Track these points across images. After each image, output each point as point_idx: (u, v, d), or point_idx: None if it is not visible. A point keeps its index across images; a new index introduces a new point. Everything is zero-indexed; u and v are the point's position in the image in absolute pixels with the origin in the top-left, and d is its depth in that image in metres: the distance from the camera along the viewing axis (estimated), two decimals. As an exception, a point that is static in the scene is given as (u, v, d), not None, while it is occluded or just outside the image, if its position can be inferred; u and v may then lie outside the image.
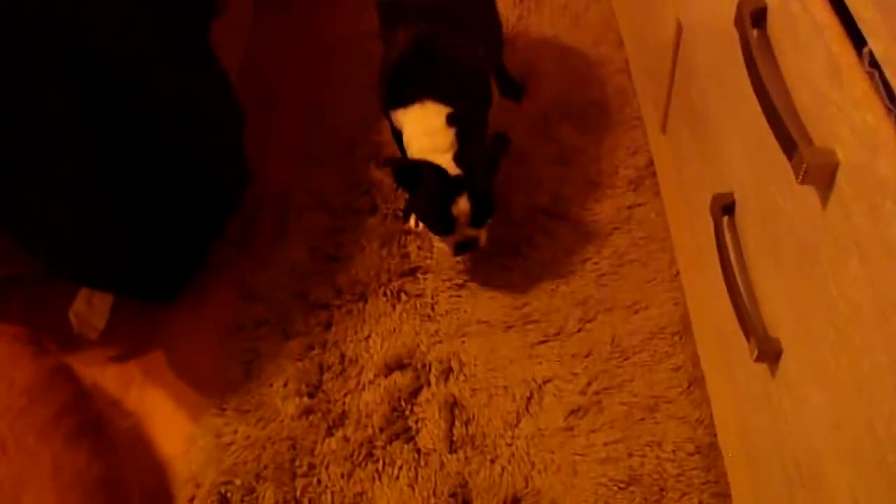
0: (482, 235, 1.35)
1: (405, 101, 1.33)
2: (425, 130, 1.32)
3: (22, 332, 1.10)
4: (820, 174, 0.68)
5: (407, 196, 1.50)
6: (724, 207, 1.02)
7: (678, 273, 1.38)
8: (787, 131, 0.71)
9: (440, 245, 1.38)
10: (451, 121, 1.31)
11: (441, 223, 1.32)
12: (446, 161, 1.29)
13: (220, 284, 1.46)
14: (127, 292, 1.37)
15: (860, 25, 0.63)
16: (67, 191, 1.16)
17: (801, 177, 0.69)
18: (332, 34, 1.86)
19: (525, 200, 1.50)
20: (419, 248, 1.45)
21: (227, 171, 1.39)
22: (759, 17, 0.80)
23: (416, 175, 1.30)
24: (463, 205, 1.28)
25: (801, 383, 0.83)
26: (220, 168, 1.36)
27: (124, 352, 1.38)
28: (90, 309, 1.33)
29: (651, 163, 1.52)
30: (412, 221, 1.48)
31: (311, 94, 1.73)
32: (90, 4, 1.08)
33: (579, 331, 1.33)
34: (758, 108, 0.79)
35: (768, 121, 0.74)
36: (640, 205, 1.48)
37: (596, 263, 1.41)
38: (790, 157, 0.70)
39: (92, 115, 1.13)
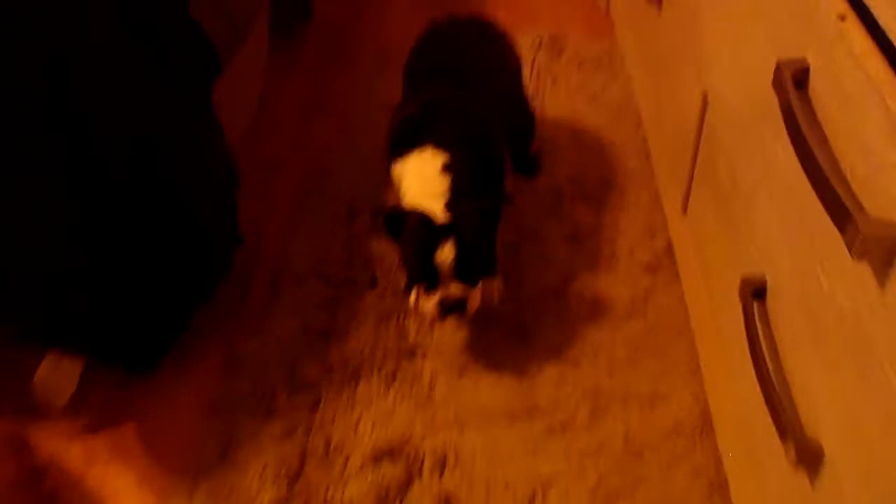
0: (472, 297, 1.23)
1: (406, 150, 1.29)
2: (420, 176, 1.27)
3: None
4: (878, 248, 0.59)
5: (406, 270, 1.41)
6: (755, 291, 0.92)
7: (699, 365, 1.27)
8: (838, 200, 0.61)
9: (425, 306, 1.25)
10: (446, 168, 1.25)
11: (422, 272, 1.21)
12: (437, 208, 1.22)
13: (204, 354, 1.35)
14: (100, 358, 1.27)
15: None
16: (40, 241, 1.07)
17: (855, 251, 0.59)
18: (344, 103, 1.81)
19: (534, 280, 1.40)
20: (419, 327, 1.35)
21: (218, 233, 1.30)
22: (800, 79, 0.72)
23: (403, 222, 1.23)
24: (447, 253, 1.19)
25: (849, 496, 0.71)
26: (211, 230, 1.28)
27: (92, 424, 1.26)
28: (57, 375, 1.22)
29: (669, 246, 1.43)
30: (414, 297, 1.39)
31: (316, 162, 1.67)
32: (83, 58, 1.01)
33: (589, 427, 1.21)
34: (798, 178, 0.70)
35: (815, 189, 0.65)
36: (657, 289, 1.38)
37: (609, 351, 1.30)
38: (843, 230, 0.61)
39: (76, 166, 1.06)
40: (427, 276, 1.21)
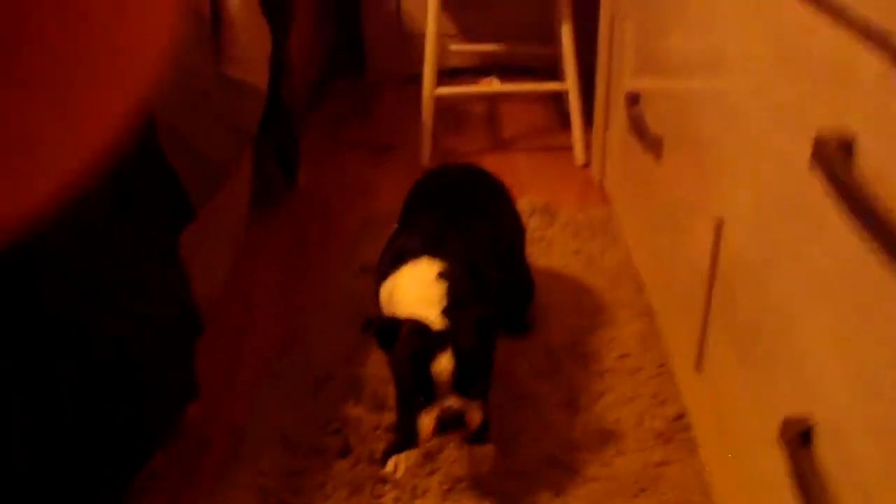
0: (471, 412, 1.08)
1: (398, 265, 1.22)
2: (414, 284, 1.18)
3: None
4: None
5: (389, 437, 1.24)
6: (802, 435, 0.77)
7: (727, 549, 1.06)
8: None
9: (421, 426, 1.08)
10: (442, 276, 1.17)
11: (417, 384, 1.07)
12: (433, 316, 1.11)
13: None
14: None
15: None
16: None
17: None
18: (324, 267, 1.71)
19: (529, 447, 1.22)
20: (397, 500, 1.15)
21: (168, 386, 1.14)
22: (847, 148, 0.62)
23: (396, 331, 1.11)
24: (445, 363, 1.05)
25: None
26: (159, 382, 1.12)
27: None
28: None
29: (682, 414, 1.27)
30: (391, 466, 1.20)
31: (290, 325, 1.53)
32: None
33: None
34: (859, 262, 0.58)
35: (887, 253, 0.52)
36: (671, 462, 1.20)
37: (619, 530, 1.10)
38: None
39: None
40: (422, 389, 1.07)
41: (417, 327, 1.11)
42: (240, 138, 1.50)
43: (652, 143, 1.36)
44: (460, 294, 1.16)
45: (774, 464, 0.84)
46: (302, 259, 1.76)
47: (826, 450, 0.74)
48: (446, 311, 1.12)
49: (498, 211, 1.45)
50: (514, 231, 1.48)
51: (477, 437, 1.20)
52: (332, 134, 2.34)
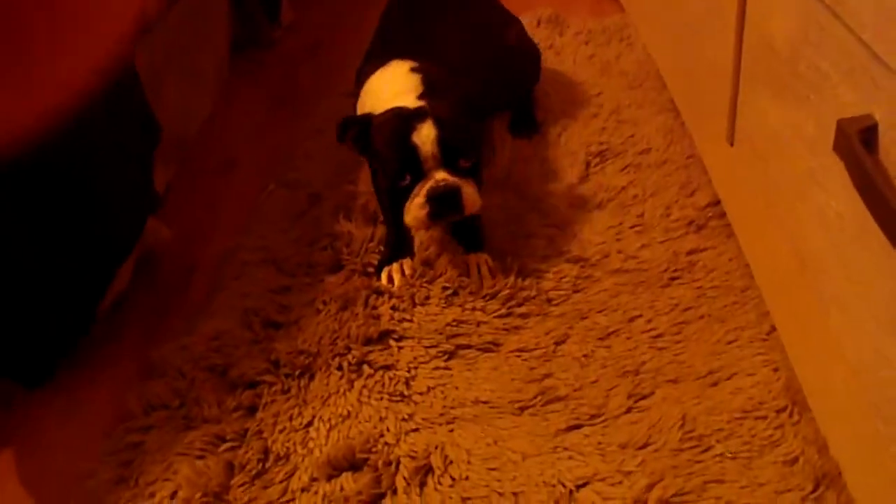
0: (465, 190, 0.97)
1: (371, 72, 1.12)
2: (387, 82, 1.09)
3: None
4: None
5: (381, 249, 1.10)
6: (863, 134, 0.61)
7: (773, 329, 0.92)
8: None
9: (413, 214, 0.98)
10: (415, 70, 1.08)
11: (403, 162, 0.97)
12: (409, 101, 1.01)
13: (117, 362, 1.04)
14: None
15: None
16: None
17: None
18: (312, 97, 1.55)
19: (545, 247, 1.08)
20: (394, 308, 1.02)
21: (125, 198, 1.01)
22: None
23: (371, 124, 1.02)
24: (426, 131, 0.96)
25: None
26: (114, 194, 0.98)
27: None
28: None
29: (715, 202, 1.11)
30: (385, 277, 1.07)
31: (280, 153, 1.39)
32: None
33: (629, 410, 0.87)
34: None
35: None
36: (705, 249, 1.06)
37: (649, 321, 0.97)
38: None
39: None
40: (408, 165, 0.97)
41: (394, 109, 1.01)
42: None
43: None
44: (435, 82, 1.06)
45: (832, 199, 0.69)
46: (291, 92, 1.61)
47: (894, 148, 0.58)
48: (422, 96, 1.03)
49: (475, 7, 1.32)
50: (500, 24, 1.34)
51: (473, 245, 1.07)
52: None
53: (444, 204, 0.95)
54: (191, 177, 1.37)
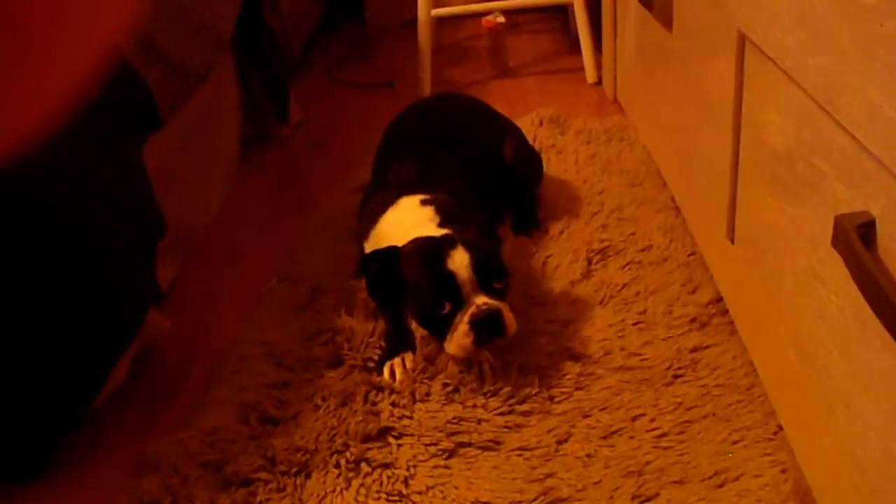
0: (506, 312, 0.99)
1: (379, 214, 1.16)
2: (401, 217, 1.11)
3: None
4: None
5: (382, 345, 1.10)
6: (861, 229, 0.61)
7: (779, 428, 0.91)
8: None
9: (457, 342, 0.99)
10: (426, 202, 1.11)
11: (439, 287, 0.98)
12: (431, 231, 1.04)
13: (113, 456, 1.02)
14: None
15: None
16: None
17: None
18: (317, 191, 1.58)
19: (548, 344, 1.07)
20: (394, 405, 1.01)
21: (126, 288, 1.01)
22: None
23: (398, 256, 1.03)
24: (460, 257, 0.98)
25: None
26: (116, 285, 0.99)
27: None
28: None
29: (717, 299, 1.11)
30: (387, 372, 1.06)
31: (283, 247, 1.40)
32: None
33: (635, 513, 0.84)
34: None
35: None
36: (708, 346, 1.05)
37: (653, 420, 0.95)
38: None
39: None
40: (446, 292, 0.98)
41: (422, 239, 1.03)
42: (212, 44, 1.37)
43: (662, 17, 1.20)
44: (449, 210, 1.10)
45: (834, 296, 0.69)
46: (296, 187, 1.64)
47: (892, 243, 0.58)
48: (443, 224, 1.06)
49: (469, 126, 1.36)
50: (496, 135, 1.37)
51: (505, 279, 1.08)
52: (332, 76, 2.21)
53: (489, 329, 0.97)
54: (194, 268, 1.38)
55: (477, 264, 0.98)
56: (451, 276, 0.98)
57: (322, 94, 2.09)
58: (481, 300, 0.98)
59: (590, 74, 1.92)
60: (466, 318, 0.98)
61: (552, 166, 1.49)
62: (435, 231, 1.05)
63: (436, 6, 1.97)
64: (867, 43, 0.59)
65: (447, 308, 0.99)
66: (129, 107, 1.16)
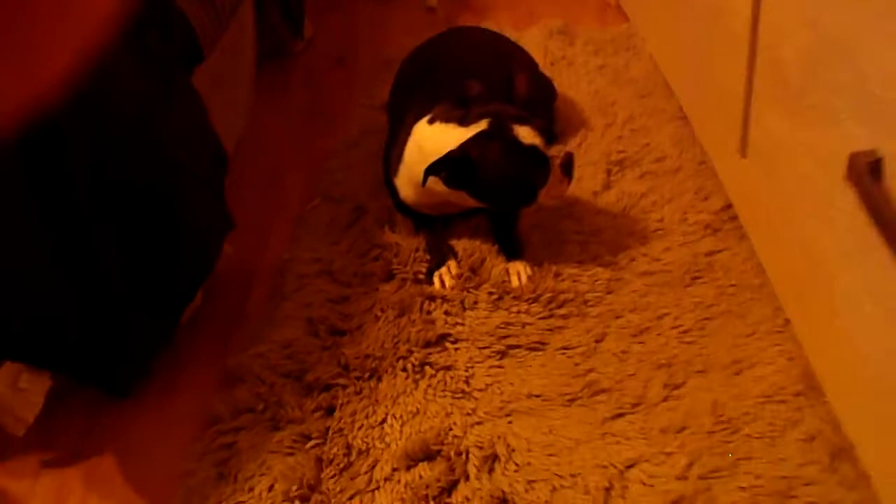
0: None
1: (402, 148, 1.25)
2: (423, 138, 1.20)
3: None
4: None
5: (428, 258, 1.22)
6: (871, 166, 0.73)
7: (787, 322, 1.05)
8: None
9: (556, 191, 1.17)
10: (433, 119, 1.21)
11: (532, 159, 1.14)
12: (459, 134, 1.15)
13: (199, 367, 1.15)
14: (70, 374, 1.06)
15: None
16: (14, 255, 0.89)
17: None
18: (342, 108, 1.65)
19: (579, 253, 1.20)
20: (447, 313, 1.14)
21: (203, 218, 1.12)
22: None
23: (465, 154, 1.13)
24: (524, 131, 1.13)
25: None
26: (194, 216, 1.09)
27: (62, 455, 1.05)
28: (17, 394, 1.01)
29: (728, 205, 1.24)
30: (437, 282, 1.18)
31: (317, 164, 1.49)
32: None
33: (666, 399, 0.99)
34: None
35: None
36: (722, 251, 1.18)
37: (676, 318, 1.09)
38: None
39: (34, 145, 0.89)
40: (538, 160, 1.14)
41: (475, 137, 1.13)
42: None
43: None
44: (460, 111, 1.18)
45: (839, 211, 0.81)
46: (320, 104, 1.70)
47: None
48: (464, 122, 1.15)
49: (480, 61, 1.40)
50: (507, 69, 1.41)
51: (513, 253, 1.20)
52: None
53: (572, 163, 1.16)
54: (235, 191, 1.47)
55: (536, 128, 1.13)
56: (532, 146, 1.12)
57: (329, 4, 2.12)
58: (553, 151, 1.16)
59: (591, -22, 1.97)
60: (557, 166, 1.14)
61: (564, 79, 1.57)
62: (464, 132, 1.14)
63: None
64: None
65: (541, 169, 1.14)
66: (178, 44, 1.22)
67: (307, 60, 1.88)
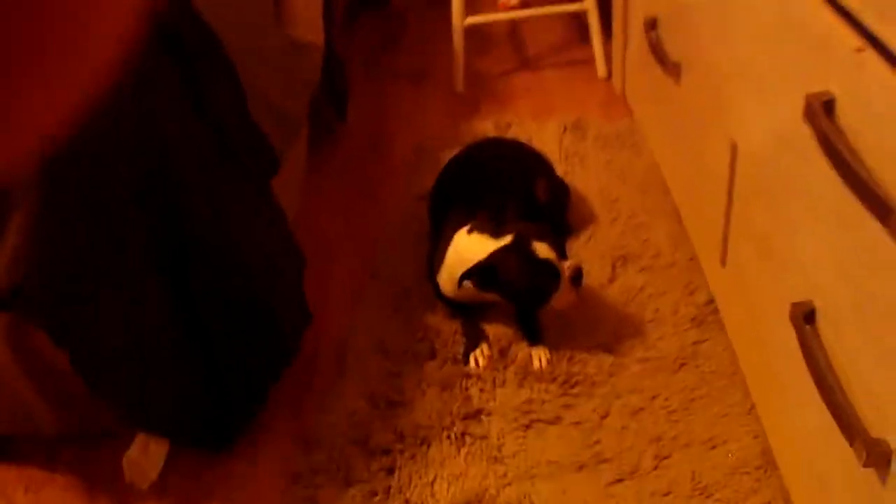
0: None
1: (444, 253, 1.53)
2: (461, 246, 1.49)
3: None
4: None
5: (464, 341, 1.49)
6: (806, 316, 1.00)
7: (753, 406, 1.32)
8: (877, 198, 0.70)
9: (566, 299, 1.43)
10: (472, 229, 1.50)
11: (546, 270, 1.40)
12: (490, 245, 1.44)
13: (277, 431, 1.42)
14: (184, 439, 1.34)
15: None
16: (137, 327, 1.16)
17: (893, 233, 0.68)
18: (382, 193, 1.92)
19: (589, 340, 1.47)
20: (481, 390, 1.41)
21: (289, 312, 1.39)
22: (828, 109, 0.82)
23: (492, 265, 1.41)
24: (541, 247, 1.40)
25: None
26: (282, 309, 1.37)
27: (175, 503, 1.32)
28: (145, 457, 1.29)
29: (711, 300, 1.51)
30: (472, 362, 1.46)
31: (364, 247, 1.77)
32: (165, 134, 1.14)
33: (656, 468, 1.26)
34: (840, 195, 0.79)
35: (856, 193, 0.74)
36: (704, 340, 1.45)
37: (666, 399, 1.36)
38: (885, 222, 0.69)
39: (163, 252, 1.16)
40: (551, 272, 1.40)
41: (502, 249, 1.42)
42: (307, 91, 1.70)
43: (671, 68, 1.54)
44: (493, 224, 1.47)
45: (786, 337, 1.08)
46: (362, 190, 1.97)
47: (825, 327, 0.97)
48: (496, 235, 1.44)
49: (506, 169, 1.69)
50: (530, 174, 1.70)
51: (534, 338, 1.47)
52: (367, 66, 2.51)
53: (580, 279, 1.41)
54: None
55: (553, 244, 1.40)
56: (547, 260, 1.38)
57: (363, 84, 2.38)
58: (565, 265, 1.40)
59: (600, 70, 2.25)
60: (567, 278, 1.39)
61: (577, 175, 1.85)
62: (494, 243, 1.43)
63: None
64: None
65: (554, 282, 1.40)
66: (256, 154, 1.49)
67: (348, 141, 2.15)
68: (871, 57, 0.75)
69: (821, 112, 0.81)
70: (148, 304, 1.19)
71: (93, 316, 1.11)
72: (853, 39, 0.78)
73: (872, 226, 0.72)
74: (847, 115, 0.80)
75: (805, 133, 0.86)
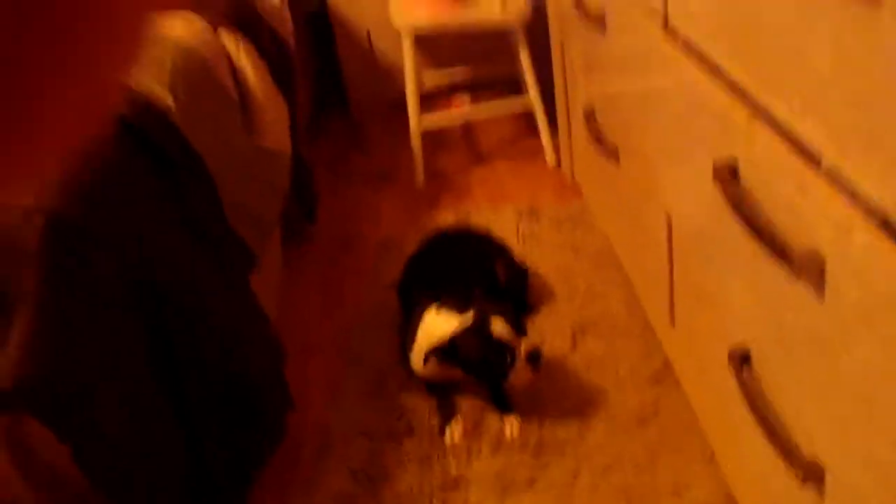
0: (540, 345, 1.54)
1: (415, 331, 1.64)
2: (430, 324, 1.59)
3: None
4: (811, 266, 0.79)
5: (439, 416, 1.58)
6: (742, 358, 1.11)
7: (713, 453, 1.41)
8: (779, 244, 0.83)
9: (522, 377, 1.50)
10: (439, 307, 1.60)
11: (499, 348, 1.49)
12: (454, 321, 1.55)
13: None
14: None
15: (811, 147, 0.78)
16: (133, 419, 1.24)
17: (796, 273, 0.80)
18: (353, 286, 2.03)
19: (554, 405, 1.57)
20: (458, 461, 1.49)
21: (272, 398, 1.47)
22: (734, 172, 0.96)
23: (453, 343, 1.51)
24: (499, 325, 1.49)
25: (852, 495, 0.86)
26: (266, 396, 1.45)
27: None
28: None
29: (666, 360, 1.61)
30: (448, 436, 1.54)
31: (340, 337, 1.86)
32: (153, 240, 1.24)
33: (627, 521, 1.34)
34: (751, 246, 0.92)
35: (763, 243, 0.87)
36: (663, 398, 1.55)
37: (632, 454, 1.45)
38: (789, 262, 0.81)
39: (152, 346, 1.25)
40: (505, 350, 1.49)
41: (463, 330, 1.52)
42: (278, 197, 1.82)
43: (611, 152, 1.70)
44: (459, 302, 1.58)
45: (731, 382, 1.19)
46: (335, 284, 2.08)
47: (759, 366, 1.08)
48: (461, 311, 1.56)
49: (468, 255, 1.84)
50: (493, 256, 1.85)
51: (506, 407, 1.56)
52: (333, 170, 2.65)
53: (538, 360, 1.49)
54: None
55: (511, 322, 1.49)
56: (501, 339, 1.48)
57: (330, 187, 2.53)
58: (523, 344, 1.49)
59: (549, 159, 2.42)
60: (523, 357, 1.48)
61: (535, 255, 1.98)
62: (457, 320, 1.53)
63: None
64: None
65: (509, 359, 1.49)
66: (234, 256, 1.60)
67: (319, 241, 2.27)
68: (759, 123, 0.89)
69: (727, 176, 0.94)
70: (142, 397, 1.27)
71: (94, 410, 1.19)
72: (745, 110, 0.93)
73: (779, 270, 0.85)
74: (748, 175, 0.94)
75: (718, 196, 0.99)
